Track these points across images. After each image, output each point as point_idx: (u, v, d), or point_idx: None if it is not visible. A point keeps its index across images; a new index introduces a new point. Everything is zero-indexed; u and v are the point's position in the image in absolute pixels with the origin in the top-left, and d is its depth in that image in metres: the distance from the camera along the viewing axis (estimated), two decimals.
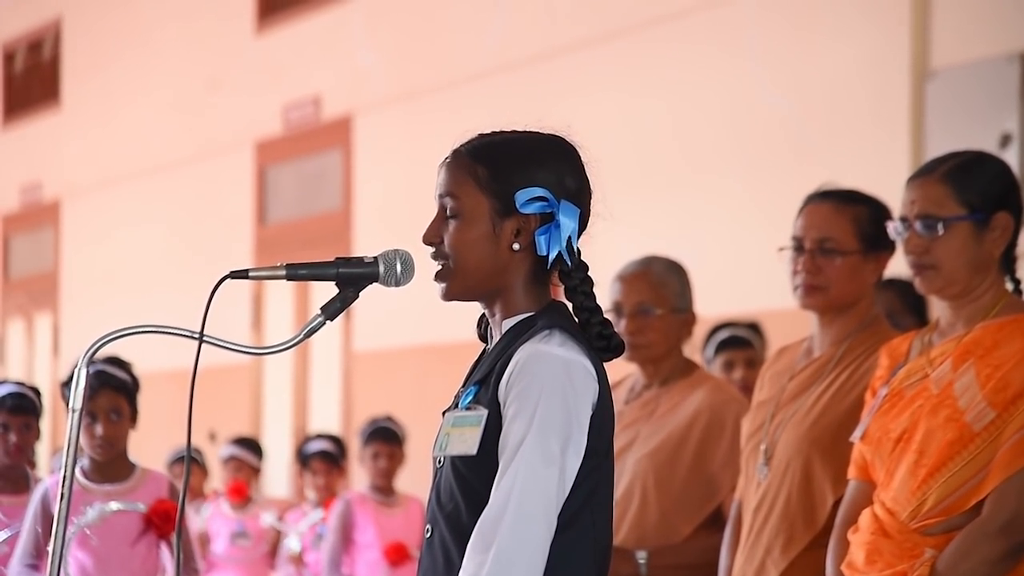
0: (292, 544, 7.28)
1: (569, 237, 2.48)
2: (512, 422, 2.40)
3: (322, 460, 7.54)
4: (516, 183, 2.49)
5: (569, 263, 2.49)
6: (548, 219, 2.48)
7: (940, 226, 3.13)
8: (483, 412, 2.44)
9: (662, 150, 7.44)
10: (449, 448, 2.47)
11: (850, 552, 3.14)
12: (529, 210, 2.48)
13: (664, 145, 7.43)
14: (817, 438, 3.49)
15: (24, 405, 4.76)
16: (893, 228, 3.22)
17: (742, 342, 5.57)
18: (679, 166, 7.36)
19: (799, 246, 3.60)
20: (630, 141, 7.46)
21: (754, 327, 5.75)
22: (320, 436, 7.84)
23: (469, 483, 2.44)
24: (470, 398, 2.48)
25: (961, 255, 3.13)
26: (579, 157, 2.54)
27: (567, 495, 2.40)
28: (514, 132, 2.56)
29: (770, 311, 6.23)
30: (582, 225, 2.52)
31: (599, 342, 2.48)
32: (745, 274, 6.77)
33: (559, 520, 2.39)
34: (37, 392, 4.88)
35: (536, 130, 2.56)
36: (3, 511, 4.73)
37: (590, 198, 2.54)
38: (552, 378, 2.40)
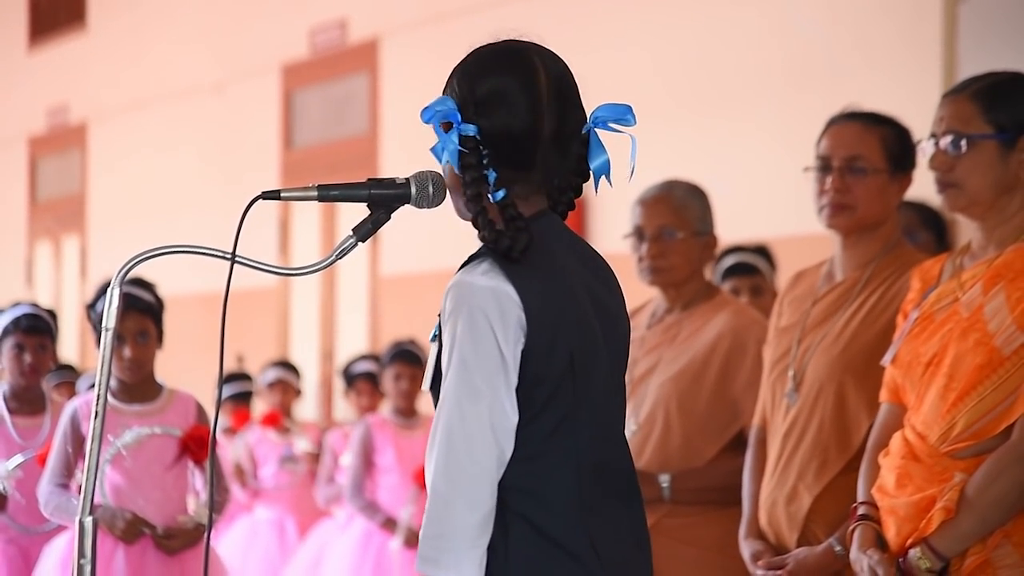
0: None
1: (465, 146, 2.40)
2: (443, 356, 2.38)
3: (367, 381, 7.61)
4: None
5: (457, 171, 2.43)
6: (448, 128, 2.44)
7: (964, 143, 3.11)
8: (434, 346, 2.42)
9: (691, 76, 7.39)
10: (423, 382, 2.48)
11: (880, 476, 3.14)
12: (427, 122, 2.45)
13: (693, 70, 7.38)
14: (850, 362, 3.47)
15: (39, 326, 4.79)
16: (923, 145, 3.20)
17: (748, 268, 5.55)
18: (709, 92, 7.31)
19: (826, 166, 3.57)
20: (658, 66, 7.42)
21: (762, 251, 5.72)
22: (365, 357, 7.89)
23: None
24: (435, 331, 2.45)
25: (985, 174, 3.11)
26: (516, 63, 2.45)
27: (524, 423, 2.36)
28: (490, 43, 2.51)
29: (802, 235, 6.22)
30: (503, 132, 2.41)
31: (495, 249, 2.38)
32: (778, 199, 6.75)
33: (527, 449, 2.36)
34: (53, 314, 4.91)
35: (505, 38, 2.50)
36: (19, 433, 4.77)
37: (522, 103, 2.42)
38: (470, 309, 2.35)
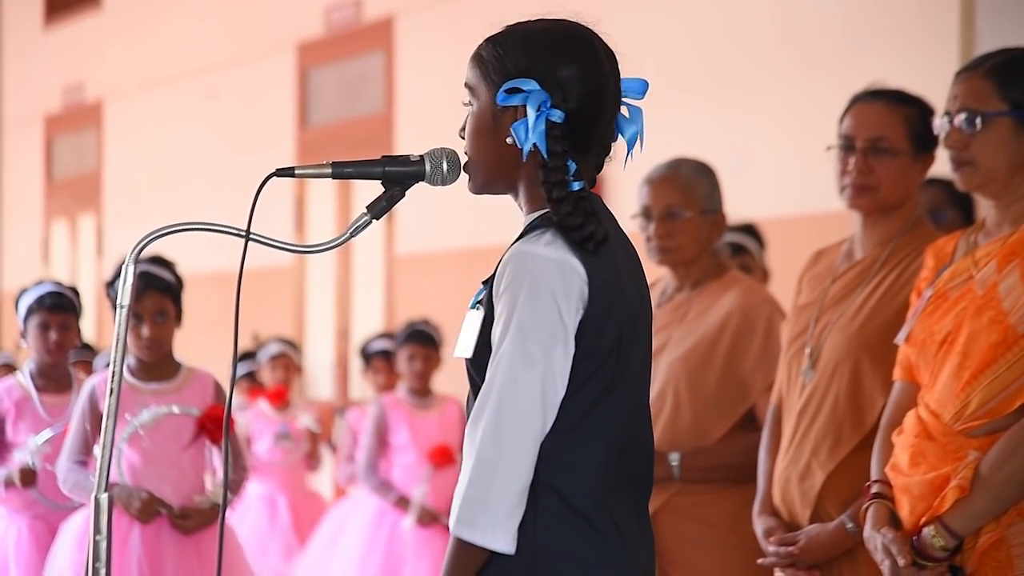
0: None
1: (548, 128, 2.39)
2: (496, 325, 2.37)
3: (384, 359, 7.63)
4: (509, 74, 2.43)
5: (544, 156, 2.41)
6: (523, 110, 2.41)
7: (979, 121, 3.10)
8: (480, 313, 2.42)
9: (708, 52, 7.38)
10: (456, 349, 2.47)
11: (894, 454, 3.13)
12: (508, 102, 2.42)
13: (710, 46, 7.36)
14: (866, 340, 3.47)
15: (63, 304, 4.81)
16: (937, 124, 3.19)
17: (735, 248, 5.53)
18: (725, 68, 7.29)
19: (849, 145, 3.56)
20: (674, 42, 7.40)
21: (750, 230, 5.70)
22: (383, 335, 7.91)
23: (476, 383, 2.43)
24: (477, 298, 2.45)
25: (1000, 152, 3.10)
26: (587, 46, 2.45)
27: (565, 396, 2.37)
28: (534, 20, 2.49)
29: (823, 213, 6.21)
30: (580, 119, 2.42)
31: (573, 235, 2.38)
32: (794, 177, 6.73)
33: (564, 422, 2.37)
34: (76, 292, 4.93)
35: (558, 18, 2.48)
36: (47, 410, 4.79)
37: (595, 90, 2.43)
38: (533, 279, 2.35)
